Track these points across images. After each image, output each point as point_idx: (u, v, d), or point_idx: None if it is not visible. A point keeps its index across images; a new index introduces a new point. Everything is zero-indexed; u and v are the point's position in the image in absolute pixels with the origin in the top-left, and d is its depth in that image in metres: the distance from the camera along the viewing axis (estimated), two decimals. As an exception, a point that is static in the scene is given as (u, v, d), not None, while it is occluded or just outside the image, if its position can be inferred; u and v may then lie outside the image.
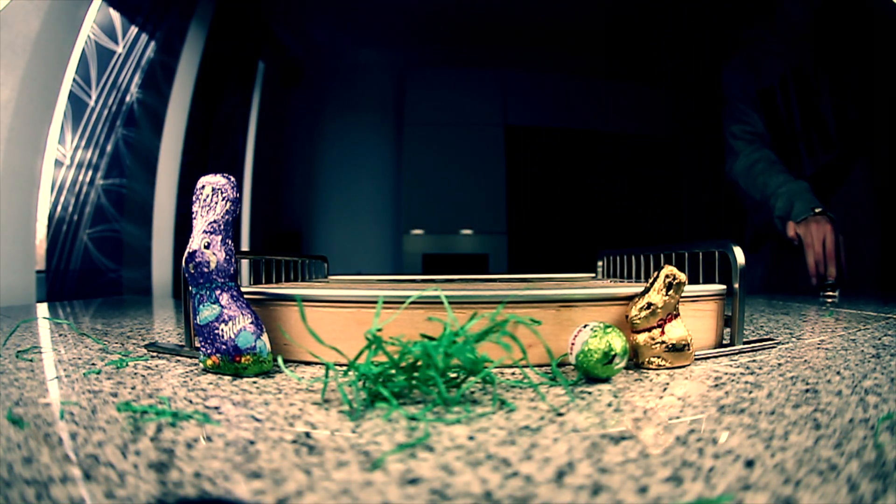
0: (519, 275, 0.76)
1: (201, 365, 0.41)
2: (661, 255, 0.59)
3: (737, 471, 0.21)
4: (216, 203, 0.41)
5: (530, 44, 3.02)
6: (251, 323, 0.40)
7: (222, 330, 0.39)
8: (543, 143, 3.26)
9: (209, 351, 0.40)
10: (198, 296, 0.40)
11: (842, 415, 0.29)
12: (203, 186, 0.42)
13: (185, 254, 0.41)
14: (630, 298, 0.43)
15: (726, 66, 1.50)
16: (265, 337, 0.40)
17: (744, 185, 1.38)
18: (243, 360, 0.39)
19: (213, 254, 0.40)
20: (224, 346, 0.39)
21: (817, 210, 1.11)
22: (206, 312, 0.40)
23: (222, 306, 0.40)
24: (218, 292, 0.40)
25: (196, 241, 0.40)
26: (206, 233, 0.40)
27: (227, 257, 0.40)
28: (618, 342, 0.36)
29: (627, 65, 2.62)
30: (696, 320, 0.46)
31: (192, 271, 0.40)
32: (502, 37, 2.94)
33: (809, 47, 1.38)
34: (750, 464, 0.22)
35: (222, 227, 0.41)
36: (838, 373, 0.39)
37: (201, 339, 0.40)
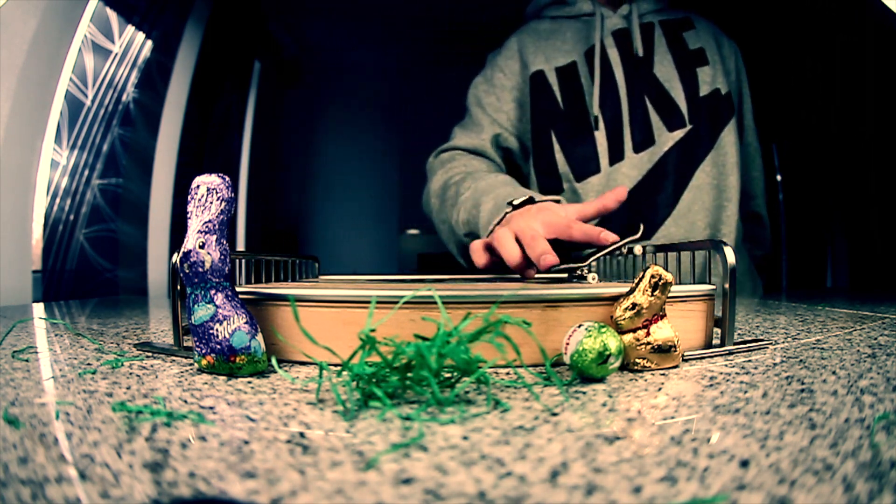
0: (510, 274, 0.76)
1: (196, 365, 0.41)
2: (655, 255, 0.59)
3: (731, 471, 0.22)
4: (211, 203, 0.41)
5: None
6: (246, 323, 0.40)
7: (217, 330, 0.39)
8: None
9: (204, 351, 0.40)
10: (192, 295, 0.40)
11: (837, 414, 0.29)
12: (198, 186, 0.42)
13: (180, 253, 0.41)
14: (615, 298, 0.43)
15: (491, 55, 1.22)
16: (260, 337, 0.40)
17: (436, 207, 1.06)
18: (238, 359, 0.39)
19: (208, 253, 0.40)
20: (219, 346, 0.39)
21: (516, 202, 0.76)
22: (201, 312, 0.40)
23: (217, 306, 0.40)
24: (213, 292, 0.40)
25: (191, 241, 0.40)
26: (201, 232, 0.40)
27: (222, 257, 0.40)
28: (613, 342, 0.36)
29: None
30: (685, 321, 0.46)
31: (187, 271, 0.40)
32: (500, 37, 2.94)
33: (637, 9, 1.09)
34: (745, 464, 0.22)
35: (217, 226, 0.41)
36: (834, 372, 0.39)
37: (196, 339, 0.40)
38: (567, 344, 0.38)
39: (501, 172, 1.08)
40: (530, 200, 0.76)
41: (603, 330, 0.37)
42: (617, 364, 0.37)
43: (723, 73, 1.09)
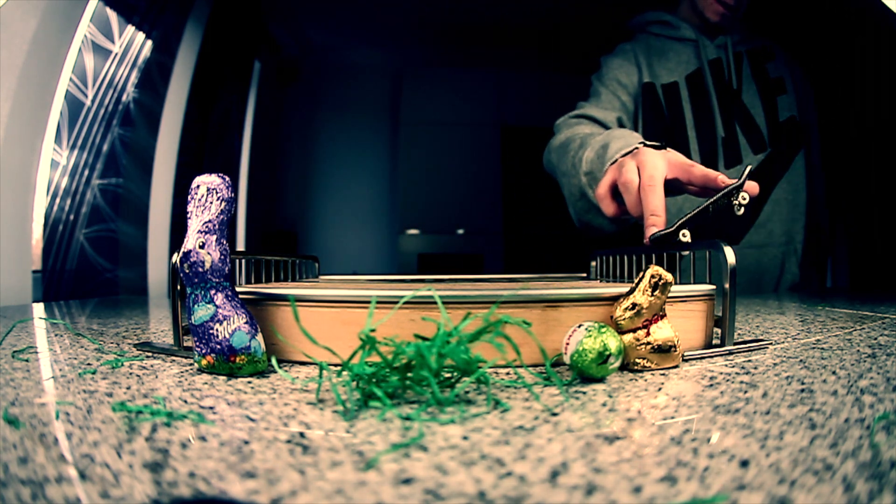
0: (510, 275, 0.76)
1: (196, 365, 0.41)
2: (654, 256, 0.59)
3: (732, 471, 0.22)
4: (211, 203, 0.41)
5: (526, 44, 3.02)
6: (246, 323, 0.40)
7: (217, 330, 0.39)
8: (539, 143, 3.26)
9: (204, 351, 0.40)
10: (192, 295, 0.40)
11: (837, 415, 0.29)
12: (198, 186, 0.42)
13: (180, 253, 0.41)
14: (615, 298, 0.43)
15: (605, 56, 1.29)
16: (260, 337, 0.40)
17: (555, 160, 1.08)
18: (238, 359, 0.39)
19: (208, 253, 0.40)
20: (219, 346, 0.39)
21: (645, 143, 0.72)
22: (201, 312, 0.40)
23: (217, 306, 0.40)
24: (213, 292, 0.40)
25: (191, 241, 0.40)
26: (201, 232, 0.40)
27: (222, 257, 0.40)
28: (612, 342, 0.36)
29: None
30: (685, 321, 0.46)
31: (187, 271, 0.40)
32: (498, 37, 2.94)
33: (731, 40, 1.22)
34: (745, 464, 0.22)
35: (217, 226, 0.41)
36: (834, 372, 0.39)
37: (196, 339, 0.40)
38: (567, 344, 0.38)
39: None
40: (662, 146, 0.72)
41: (603, 330, 0.37)
42: (617, 364, 0.37)
43: (797, 101, 1.25)
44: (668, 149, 0.70)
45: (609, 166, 0.74)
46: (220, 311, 0.40)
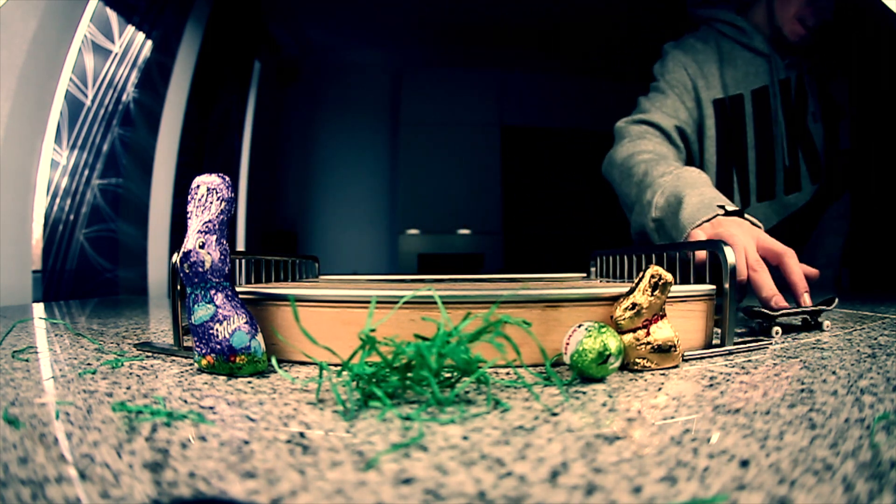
0: (510, 274, 0.76)
1: (196, 365, 0.41)
2: (654, 256, 0.59)
3: (731, 471, 0.22)
4: (211, 203, 0.41)
5: (526, 44, 3.02)
6: (246, 323, 0.40)
7: (217, 330, 0.39)
8: (539, 143, 3.26)
9: (204, 351, 0.40)
10: (192, 295, 0.40)
11: (837, 414, 0.29)
12: (198, 186, 0.42)
13: (180, 253, 0.40)
14: (615, 298, 0.43)
15: (670, 45, 1.20)
16: (260, 337, 0.40)
17: (618, 178, 1.05)
18: (238, 359, 0.39)
19: (208, 253, 0.40)
20: (219, 346, 0.39)
21: (729, 208, 0.70)
22: (201, 312, 0.40)
23: (217, 306, 0.40)
24: (213, 292, 0.40)
25: (191, 241, 0.40)
26: (201, 232, 0.40)
27: (222, 257, 0.40)
28: (612, 342, 0.36)
29: (622, 64, 2.63)
30: (685, 321, 0.46)
31: (187, 271, 0.40)
32: (498, 37, 2.94)
33: (805, 65, 1.14)
34: (745, 464, 0.22)
35: (217, 226, 0.41)
36: (834, 372, 0.39)
37: (196, 339, 0.40)
38: (567, 344, 0.38)
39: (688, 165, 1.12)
40: (740, 213, 0.71)
41: (603, 330, 0.37)
42: (617, 364, 0.37)
43: (857, 127, 1.22)
44: (746, 216, 0.70)
45: (691, 231, 0.71)
46: (220, 311, 0.40)
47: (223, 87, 2.11)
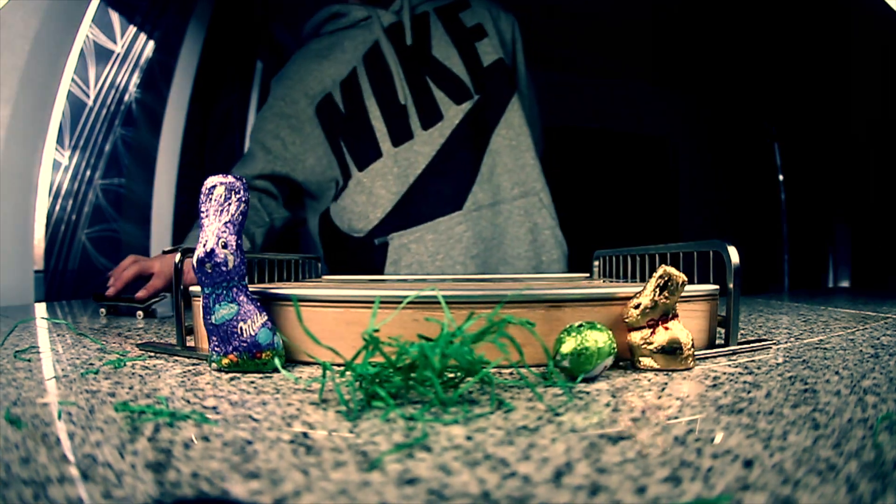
0: (513, 275, 0.76)
1: (214, 365, 0.41)
2: (657, 256, 0.59)
3: (735, 471, 0.21)
4: (230, 203, 0.41)
5: (526, 43, 3.02)
6: (268, 320, 0.41)
7: (241, 328, 0.40)
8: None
9: (224, 350, 0.40)
10: (213, 295, 0.41)
11: (840, 415, 0.29)
12: (215, 186, 0.42)
13: (199, 254, 0.40)
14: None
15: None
16: (278, 333, 0.42)
17: None
18: (264, 355, 0.40)
19: (231, 253, 0.40)
20: (244, 344, 0.40)
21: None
22: (224, 311, 0.40)
23: (240, 305, 0.40)
24: (235, 291, 0.41)
25: (210, 242, 0.40)
26: (223, 232, 0.41)
27: (242, 257, 0.41)
28: (592, 341, 0.36)
29: (623, 64, 2.62)
30: (689, 320, 0.46)
31: (209, 271, 0.40)
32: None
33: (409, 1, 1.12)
34: (749, 464, 0.22)
35: (237, 226, 0.41)
36: (837, 373, 0.39)
37: (216, 338, 0.40)
38: (554, 347, 0.38)
39: None
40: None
41: (583, 329, 0.37)
42: (604, 363, 0.37)
43: (500, 43, 1.15)
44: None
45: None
46: (242, 309, 0.40)
47: (225, 86, 2.11)
